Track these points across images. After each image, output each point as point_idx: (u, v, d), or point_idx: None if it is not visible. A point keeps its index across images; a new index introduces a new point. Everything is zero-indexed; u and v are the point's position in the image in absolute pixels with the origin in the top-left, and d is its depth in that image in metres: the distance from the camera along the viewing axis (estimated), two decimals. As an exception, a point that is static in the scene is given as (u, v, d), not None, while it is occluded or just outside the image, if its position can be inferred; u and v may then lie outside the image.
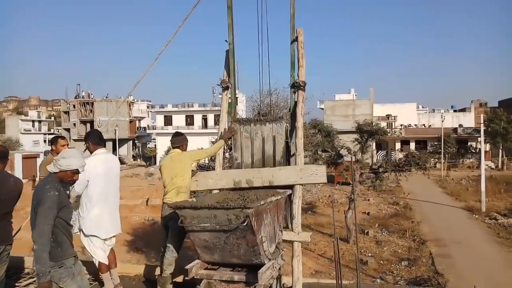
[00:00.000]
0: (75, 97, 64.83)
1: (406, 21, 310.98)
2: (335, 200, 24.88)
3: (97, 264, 4.67)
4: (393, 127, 55.50)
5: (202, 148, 5.74)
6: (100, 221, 4.52)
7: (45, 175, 3.47)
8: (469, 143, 50.09)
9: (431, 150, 45.91)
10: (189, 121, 61.70)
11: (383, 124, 39.39)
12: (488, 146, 46.07)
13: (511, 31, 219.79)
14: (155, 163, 55.62)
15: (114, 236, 4.76)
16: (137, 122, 73.78)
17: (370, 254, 15.25)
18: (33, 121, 78.53)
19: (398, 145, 52.79)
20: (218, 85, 5.35)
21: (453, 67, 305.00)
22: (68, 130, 63.08)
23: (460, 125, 54.94)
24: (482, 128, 26.95)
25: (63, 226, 3.22)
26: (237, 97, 6.11)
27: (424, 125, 60.26)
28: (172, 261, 4.65)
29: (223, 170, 5.01)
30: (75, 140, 56.65)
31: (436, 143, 47.37)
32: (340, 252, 5.28)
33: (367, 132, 18.96)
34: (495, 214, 21.08)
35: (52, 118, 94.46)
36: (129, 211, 22.53)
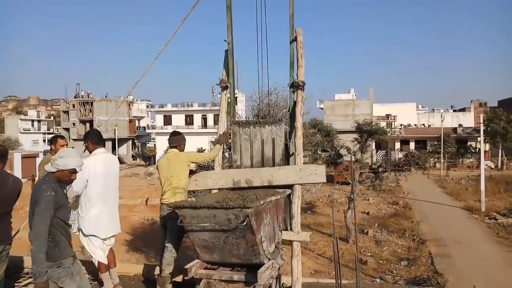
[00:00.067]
0: (75, 97, 64.79)
1: (406, 21, 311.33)
2: (334, 199, 24.89)
3: (96, 264, 4.67)
4: (393, 126, 55.54)
5: (201, 149, 5.75)
6: (100, 221, 4.52)
7: (44, 174, 3.47)
8: (468, 143, 50.13)
9: (430, 150, 45.92)
10: (189, 120, 61.72)
11: (383, 124, 39.40)
12: (487, 146, 46.08)
13: (510, 31, 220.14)
14: (154, 163, 55.57)
15: (113, 236, 4.75)
16: (136, 121, 73.75)
17: (369, 254, 15.25)
18: (32, 121, 78.45)
19: (397, 145, 52.82)
20: (217, 84, 5.35)
21: (453, 67, 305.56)
22: (67, 129, 63.03)
23: (460, 125, 54.96)
24: (482, 128, 26.95)
25: (61, 225, 3.22)
26: (236, 97, 6.11)
27: (423, 125, 60.28)
28: (171, 261, 4.66)
29: (222, 170, 5.00)
30: (74, 139, 56.59)
31: (435, 143, 47.38)
32: (340, 251, 5.28)
33: (366, 132, 18.96)
34: (495, 214, 21.09)
35: (52, 118, 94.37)
36: (129, 210, 22.52)
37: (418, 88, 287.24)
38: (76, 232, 4.53)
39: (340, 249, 6.22)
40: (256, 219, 3.48)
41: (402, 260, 14.45)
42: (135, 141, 71.52)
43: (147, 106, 77.53)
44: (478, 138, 37.22)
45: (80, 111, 62.78)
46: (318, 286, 5.60)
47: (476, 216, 21.38)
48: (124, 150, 64.39)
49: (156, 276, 4.90)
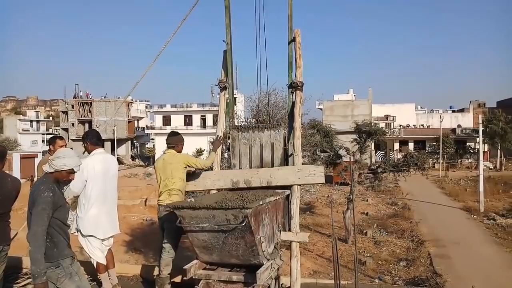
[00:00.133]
0: (74, 97, 64.76)
1: (405, 21, 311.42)
2: (333, 200, 24.90)
3: (95, 265, 4.66)
4: (392, 127, 55.59)
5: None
6: (98, 222, 4.52)
7: (42, 175, 3.47)
8: (467, 144, 50.18)
9: (429, 151, 46.01)
10: (188, 121, 61.70)
11: (382, 124, 39.39)
12: (486, 147, 46.12)
13: (510, 32, 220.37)
14: (153, 163, 55.39)
15: (112, 237, 4.75)
16: (135, 122, 73.72)
17: (368, 255, 15.26)
18: (31, 121, 78.38)
19: (396, 146, 52.88)
20: (216, 85, 5.34)
21: (452, 67, 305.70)
22: (66, 130, 62.98)
23: (459, 126, 55.02)
24: (481, 129, 27.00)
25: (59, 226, 3.21)
26: (235, 97, 6.12)
27: (422, 125, 60.32)
28: (169, 261, 4.67)
29: (221, 170, 5.00)
30: (73, 140, 56.55)
31: (434, 143, 47.45)
32: (339, 252, 5.28)
33: (365, 133, 18.96)
34: (494, 214, 21.12)
35: (51, 118, 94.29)
36: (127, 211, 22.50)
37: (417, 88, 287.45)
38: (75, 232, 4.52)
39: (339, 250, 6.23)
40: (255, 220, 3.48)
41: (401, 260, 14.46)
42: (134, 141, 71.50)
43: (146, 107, 77.53)
44: (477, 139, 37.27)
45: (79, 111, 62.75)
46: (317, 286, 5.60)
47: (475, 216, 21.41)
48: (123, 150, 64.35)
49: (155, 277, 4.90)
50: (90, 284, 5.08)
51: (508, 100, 58.36)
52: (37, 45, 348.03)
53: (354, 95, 60.70)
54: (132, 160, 65.80)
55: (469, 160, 47.39)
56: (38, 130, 78.15)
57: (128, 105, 66.14)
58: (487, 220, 20.31)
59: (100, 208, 4.54)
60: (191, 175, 4.91)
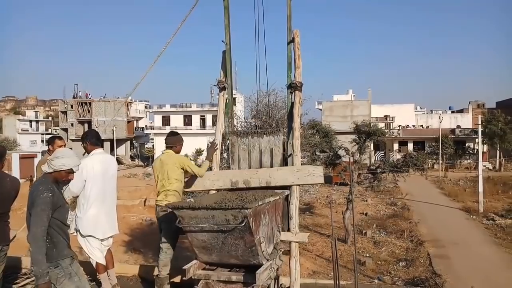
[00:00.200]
0: (73, 97, 64.72)
1: (404, 21, 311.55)
2: (333, 200, 24.90)
3: (94, 265, 4.66)
4: (391, 127, 55.63)
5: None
6: (97, 222, 4.52)
7: (41, 175, 3.46)
8: (466, 144, 50.24)
9: (429, 151, 46.06)
10: (187, 121, 61.72)
11: (381, 124, 39.44)
12: (485, 147, 46.17)
13: (509, 32, 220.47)
14: (152, 163, 55.53)
15: (111, 237, 4.75)
16: (135, 122, 73.69)
17: (368, 255, 15.26)
18: (30, 121, 78.34)
19: (396, 146, 52.92)
20: (215, 85, 5.35)
21: (451, 68, 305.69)
22: (65, 130, 62.94)
23: (458, 126, 55.10)
24: (480, 129, 27.00)
25: (59, 226, 3.21)
26: (235, 98, 6.12)
27: (422, 126, 60.41)
28: (167, 262, 4.67)
29: (220, 171, 5.01)
30: (72, 140, 56.52)
31: (434, 144, 47.51)
32: (338, 252, 5.28)
33: (365, 133, 18.97)
34: (493, 215, 21.12)
35: (50, 118, 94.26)
36: (127, 211, 22.48)
37: (417, 89, 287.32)
38: (74, 233, 4.52)
39: (339, 250, 6.23)
40: (255, 220, 3.49)
41: (400, 261, 14.45)
42: (134, 141, 71.49)
43: (146, 107, 77.55)
44: (476, 139, 37.27)
45: (79, 111, 62.71)
46: (316, 287, 5.61)
47: (474, 217, 21.42)
48: (123, 150, 64.32)
49: (154, 277, 4.90)
50: (90, 284, 5.08)
51: (507, 100, 58.42)
52: (37, 45, 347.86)
53: (354, 96, 60.76)
54: (132, 160, 65.77)
55: (469, 161, 47.44)
56: (37, 130, 78.10)
57: (128, 105, 66.12)
58: (486, 221, 20.31)
59: (99, 208, 4.54)
60: (190, 176, 4.91)
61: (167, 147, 4.91)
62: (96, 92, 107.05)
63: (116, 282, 4.82)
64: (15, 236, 4.59)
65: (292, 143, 4.66)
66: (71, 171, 3.30)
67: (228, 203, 3.67)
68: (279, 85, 14.67)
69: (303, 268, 11.91)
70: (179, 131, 5.62)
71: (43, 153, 36.42)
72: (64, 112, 65.56)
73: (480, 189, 22.74)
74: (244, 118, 16.93)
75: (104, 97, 65.81)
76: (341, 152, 19.00)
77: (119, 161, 52.60)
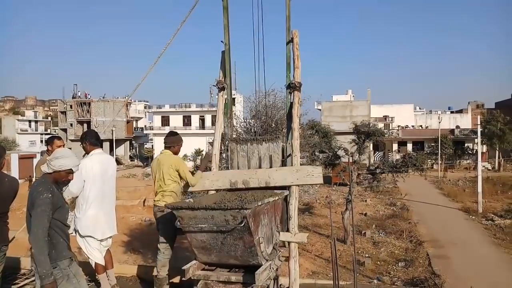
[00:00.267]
0: (72, 97, 64.66)
1: (404, 22, 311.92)
2: (332, 201, 24.90)
3: (93, 265, 4.66)
4: (390, 128, 55.67)
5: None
6: (96, 222, 4.52)
7: (40, 176, 3.46)
8: (466, 144, 50.27)
9: (428, 151, 46.11)
10: (187, 121, 61.69)
11: (381, 125, 39.50)
12: (484, 148, 46.21)
13: (508, 33, 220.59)
14: (151, 163, 55.47)
15: (110, 237, 4.75)
16: (134, 122, 73.67)
17: (367, 255, 15.25)
18: (29, 121, 78.26)
19: (395, 146, 52.95)
20: (214, 85, 5.35)
21: (451, 68, 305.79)
22: (65, 130, 62.91)
23: (457, 127, 55.15)
24: (479, 130, 27.04)
25: (59, 227, 3.21)
26: (234, 98, 6.13)
27: (421, 126, 60.47)
28: (165, 262, 4.68)
29: (219, 171, 5.00)
30: (72, 140, 56.49)
31: (433, 144, 47.55)
32: (337, 253, 5.28)
33: (364, 133, 18.96)
34: (492, 215, 21.14)
35: (49, 118, 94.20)
36: (126, 211, 22.46)
37: (416, 89, 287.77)
38: (73, 233, 4.52)
39: (338, 250, 6.23)
40: (254, 220, 3.49)
41: (399, 261, 14.46)
42: (133, 142, 71.45)
43: (145, 107, 77.50)
44: (475, 140, 37.34)
45: (78, 111, 62.66)
46: (316, 287, 5.61)
47: (473, 217, 21.43)
48: (122, 151, 64.29)
49: (153, 278, 4.90)
50: (89, 284, 5.08)
51: (506, 101, 58.53)
52: (36, 45, 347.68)
53: (353, 96, 60.78)
54: (131, 160, 65.74)
55: (468, 161, 47.46)
56: (36, 130, 78.02)
57: (127, 106, 66.07)
58: (486, 221, 20.32)
59: (99, 208, 4.54)
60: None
61: (165, 147, 4.92)
62: (95, 92, 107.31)
63: (115, 283, 4.82)
64: (14, 237, 4.58)
65: (291, 143, 4.66)
66: (70, 171, 3.30)
67: (228, 204, 3.67)
68: (278, 86, 14.72)
69: (302, 268, 11.91)
70: (178, 131, 5.62)
71: (42, 153, 36.37)
72: (63, 112, 65.51)
73: (479, 189, 22.76)
74: (244, 119, 16.94)
75: (103, 97, 65.78)
76: (340, 153, 19.00)
77: (118, 161, 52.57)
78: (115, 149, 55.33)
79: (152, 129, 64.48)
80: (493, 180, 32.70)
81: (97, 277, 4.73)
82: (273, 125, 14.19)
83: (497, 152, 45.35)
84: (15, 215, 5.89)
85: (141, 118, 79.32)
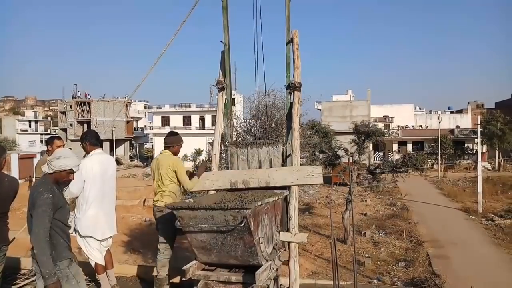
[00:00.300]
0: (72, 97, 64.66)
1: (403, 22, 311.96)
2: (332, 201, 24.90)
3: (93, 265, 4.66)
4: (390, 128, 55.67)
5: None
6: (96, 222, 4.52)
7: (40, 176, 3.45)
8: (466, 144, 50.27)
9: (428, 151, 46.10)
10: (187, 121, 61.70)
11: (380, 125, 39.49)
12: (484, 148, 46.22)
13: (508, 33, 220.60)
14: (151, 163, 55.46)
15: (110, 237, 4.75)
16: (134, 122, 73.67)
17: (367, 255, 15.25)
18: (29, 121, 78.24)
19: (395, 146, 52.95)
20: (214, 85, 5.35)
21: (450, 68, 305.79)
22: (65, 130, 62.91)
23: (457, 127, 55.15)
24: (479, 130, 27.04)
25: (59, 227, 3.20)
26: (234, 98, 6.13)
27: (421, 126, 60.46)
28: (165, 262, 4.68)
29: (219, 171, 5.00)
30: (72, 140, 56.48)
31: (433, 144, 47.55)
32: (337, 253, 5.28)
33: (364, 133, 18.97)
34: (492, 215, 21.14)
35: (49, 118, 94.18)
36: (126, 211, 22.47)
37: (416, 89, 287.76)
38: (73, 233, 4.52)
39: (338, 250, 6.23)
40: (254, 221, 3.48)
41: (399, 261, 14.46)
42: (133, 142, 71.45)
43: (145, 107, 77.54)
44: (475, 140, 37.34)
45: (78, 112, 62.66)
46: (316, 287, 5.61)
47: (473, 217, 21.44)
48: (122, 151, 64.29)
49: (153, 278, 4.90)
50: (89, 285, 5.08)
51: (506, 101, 58.53)
52: (36, 45, 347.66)
53: (353, 96, 60.78)
54: (131, 160, 65.74)
55: (468, 161, 47.46)
56: (36, 130, 78.02)
57: (127, 106, 66.07)
58: (486, 221, 20.33)
59: (98, 208, 4.54)
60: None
61: (165, 147, 4.92)
62: (95, 92, 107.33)
63: (115, 283, 4.82)
64: (14, 238, 4.58)
65: (291, 143, 4.66)
66: (71, 172, 3.30)
67: (228, 204, 3.67)
68: (278, 86, 14.73)
69: (303, 268, 11.91)
70: (178, 131, 5.62)
71: (42, 153, 36.39)
72: (63, 112, 65.50)
73: (479, 189, 22.76)
74: (244, 119, 16.95)
75: (103, 97, 65.77)
76: (340, 153, 19.00)
77: (118, 162, 52.57)
78: (115, 149, 55.34)
79: (152, 129, 64.49)
80: (493, 180, 32.70)
81: (97, 277, 4.73)
82: (273, 125, 14.19)
83: (497, 152, 45.36)
84: (15, 215, 5.88)
85: (141, 118, 79.33)
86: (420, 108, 75.13)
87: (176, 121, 61.48)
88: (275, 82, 21.34)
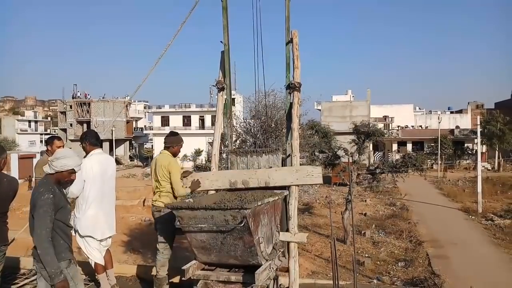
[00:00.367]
0: (72, 97, 64.66)
1: (403, 22, 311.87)
2: (332, 201, 24.91)
3: (93, 265, 4.66)
4: (390, 128, 55.69)
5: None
6: (96, 222, 4.52)
7: (40, 176, 3.45)
8: (465, 145, 50.31)
9: (428, 151, 46.13)
10: (186, 121, 61.73)
11: (380, 125, 39.51)
12: (484, 148, 46.22)
13: (508, 33, 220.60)
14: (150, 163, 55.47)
15: (110, 237, 4.75)
16: (134, 122, 73.68)
17: (367, 255, 15.27)
18: (29, 121, 78.22)
19: (395, 146, 52.98)
20: (214, 86, 5.35)
21: (450, 68, 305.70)
22: (64, 130, 62.90)
23: (457, 127, 55.17)
24: (479, 130, 27.05)
25: (60, 228, 3.20)
26: (233, 98, 6.13)
27: (421, 126, 60.49)
28: (164, 262, 4.68)
29: (219, 171, 5.01)
30: (71, 140, 56.48)
31: (433, 144, 47.56)
32: (337, 253, 5.29)
33: (364, 133, 18.99)
34: (492, 215, 21.16)
35: (49, 119, 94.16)
36: (126, 211, 22.50)
37: (416, 89, 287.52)
38: (72, 233, 4.52)
39: (338, 250, 6.23)
40: (254, 220, 3.49)
41: (399, 261, 14.47)
42: (133, 142, 71.46)
43: (145, 107, 77.51)
44: (475, 140, 37.32)
45: (77, 112, 62.66)
46: (315, 287, 5.60)
47: (473, 217, 21.45)
48: (122, 151, 64.28)
49: (153, 277, 4.91)
50: (89, 284, 5.09)
51: (506, 101, 58.58)
52: (36, 45, 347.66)
53: (353, 96, 60.82)
54: (131, 160, 65.75)
55: (467, 161, 47.48)
56: (36, 130, 78.00)
57: (127, 106, 66.08)
58: (485, 221, 20.34)
59: (98, 208, 4.54)
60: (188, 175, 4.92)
61: (165, 147, 4.92)
62: (95, 93, 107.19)
63: (115, 283, 4.82)
64: (14, 239, 4.59)
65: (291, 143, 4.66)
66: (73, 171, 3.29)
67: (227, 204, 3.67)
68: (278, 86, 14.73)
69: (302, 268, 11.92)
70: (178, 131, 5.62)
71: (42, 153, 36.38)
72: (63, 113, 65.50)
73: (479, 189, 22.78)
74: (244, 119, 16.95)
75: (103, 98, 65.77)
76: (340, 153, 19.02)
77: (118, 162, 52.59)
78: (115, 149, 55.34)
79: (152, 129, 64.52)
80: (493, 180, 32.73)
81: (96, 277, 4.73)
82: (273, 125, 14.19)
83: (496, 152, 45.40)
84: (14, 215, 5.89)
85: (141, 118, 79.35)
86: (420, 108, 75.17)
87: (176, 121, 61.50)
88: (275, 82, 21.42)
